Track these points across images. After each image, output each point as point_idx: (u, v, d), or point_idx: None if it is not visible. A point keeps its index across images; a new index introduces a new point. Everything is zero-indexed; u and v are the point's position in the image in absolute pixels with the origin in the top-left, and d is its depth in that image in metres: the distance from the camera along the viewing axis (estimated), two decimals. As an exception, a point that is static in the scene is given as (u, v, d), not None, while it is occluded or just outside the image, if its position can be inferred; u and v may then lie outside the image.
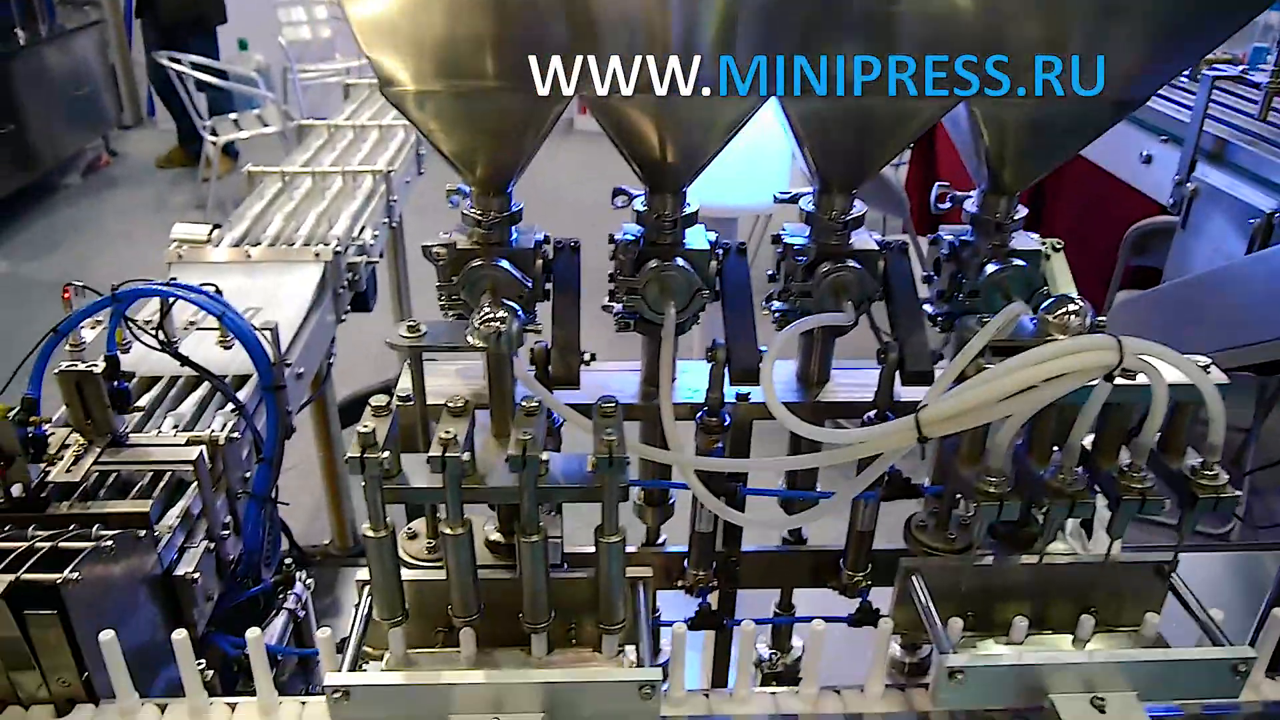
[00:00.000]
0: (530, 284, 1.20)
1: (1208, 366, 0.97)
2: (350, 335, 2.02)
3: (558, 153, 7.36)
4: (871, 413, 1.23)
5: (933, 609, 1.04)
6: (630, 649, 1.05)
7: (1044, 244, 1.27)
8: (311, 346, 1.79)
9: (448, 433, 0.92)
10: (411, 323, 1.02)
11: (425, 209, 3.09)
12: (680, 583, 1.38)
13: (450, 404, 0.97)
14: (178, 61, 5.63)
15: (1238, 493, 0.98)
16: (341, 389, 2.70)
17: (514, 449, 0.91)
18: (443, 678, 0.95)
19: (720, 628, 1.36)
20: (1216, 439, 0.97)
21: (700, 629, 1.35)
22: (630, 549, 1.41)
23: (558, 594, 1.03)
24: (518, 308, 1.01)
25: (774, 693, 1.10)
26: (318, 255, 1.92)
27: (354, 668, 0.98)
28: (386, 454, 0.91)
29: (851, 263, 1.22)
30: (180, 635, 0.99)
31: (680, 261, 1.21)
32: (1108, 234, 3.03)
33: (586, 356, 1.20)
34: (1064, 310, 1.02)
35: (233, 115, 5.82)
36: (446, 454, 0.91)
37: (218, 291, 1.34)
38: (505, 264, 1.19)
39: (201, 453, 1.25)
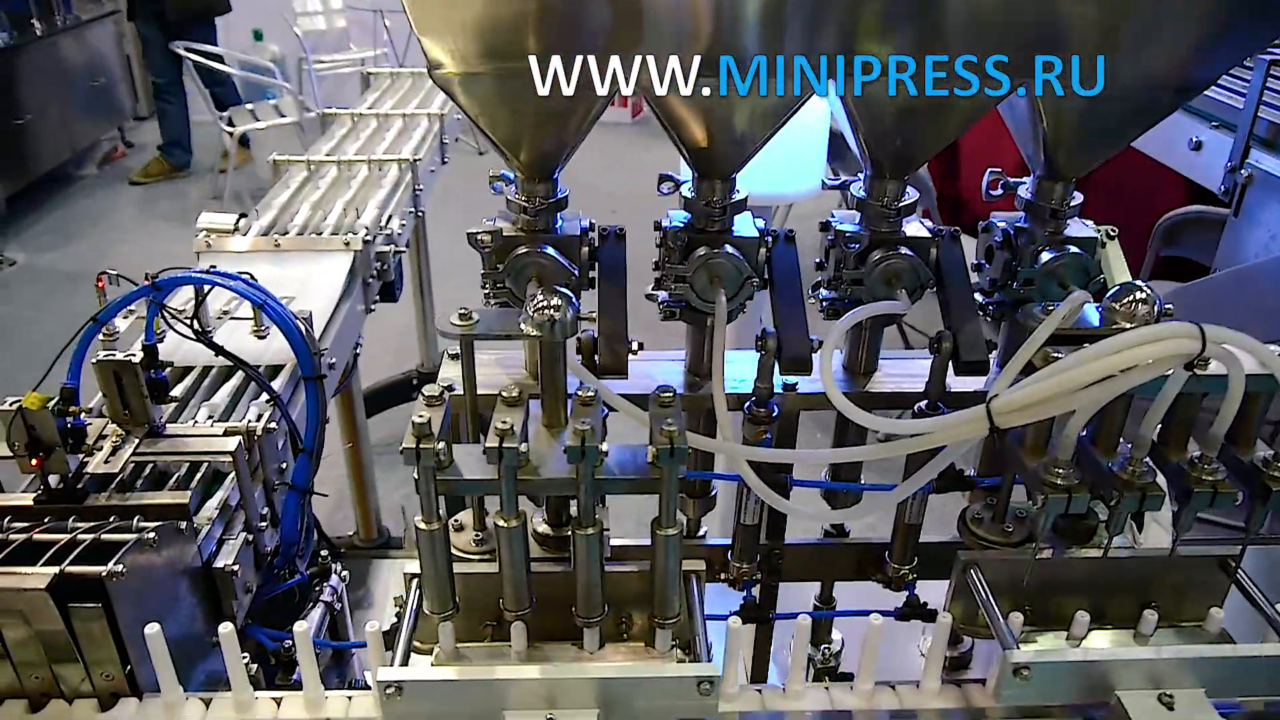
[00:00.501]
0: (576, 271, 1.18)
1: (1282, 355, 0.94)
2: (371, 325, 2.01)
3: (624, 145, 7.36)
4: (922, 403, 1.21)
5: (993, 603, 1.02)
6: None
7: (1099, 230, 1.24)
8: (342, 336, 1.77)
9: (504, 423, 0.90)
10: (464, 310, 1.00)
11: (444, 199, 3.07)
12: (723, 575, 1.35)
13: (505, 394, 0.95)
14: (194, 51, 5.61)
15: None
16: (365, 379, 2.69)
17: (573, 440, 0.89)
18: (496, 673, 0.93)
19: (765, 621, 1.34)
20: (1291, 429, 0.94)
21: (745, 623, 1.33)
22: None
23: (609, 587, 1.01)
24: (572, 295, 0.99)
25: (827, 688, 1.08)
26: (348, 244, 1.90)
27: (404, 662, 0.96)
28: (441, 445, 0.89)
29: (904, 250, 1.19)
30: (227, 629, 0.97)
31: (729, 249, 1.18)
32: (1139, 223, 3.00)
33: (634, 346, 1.18)
34: (1131, 298, 0.99)
35: (249, 106, 5.80)
36: (504, 445, 0.89)
37: (254, 280, 1.33)
38: (551, 251, 1.17)
39: (240, 443, 1.24)
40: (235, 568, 1.20)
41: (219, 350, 1.35)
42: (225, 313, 1.58)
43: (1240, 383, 0.87)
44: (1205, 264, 2.17)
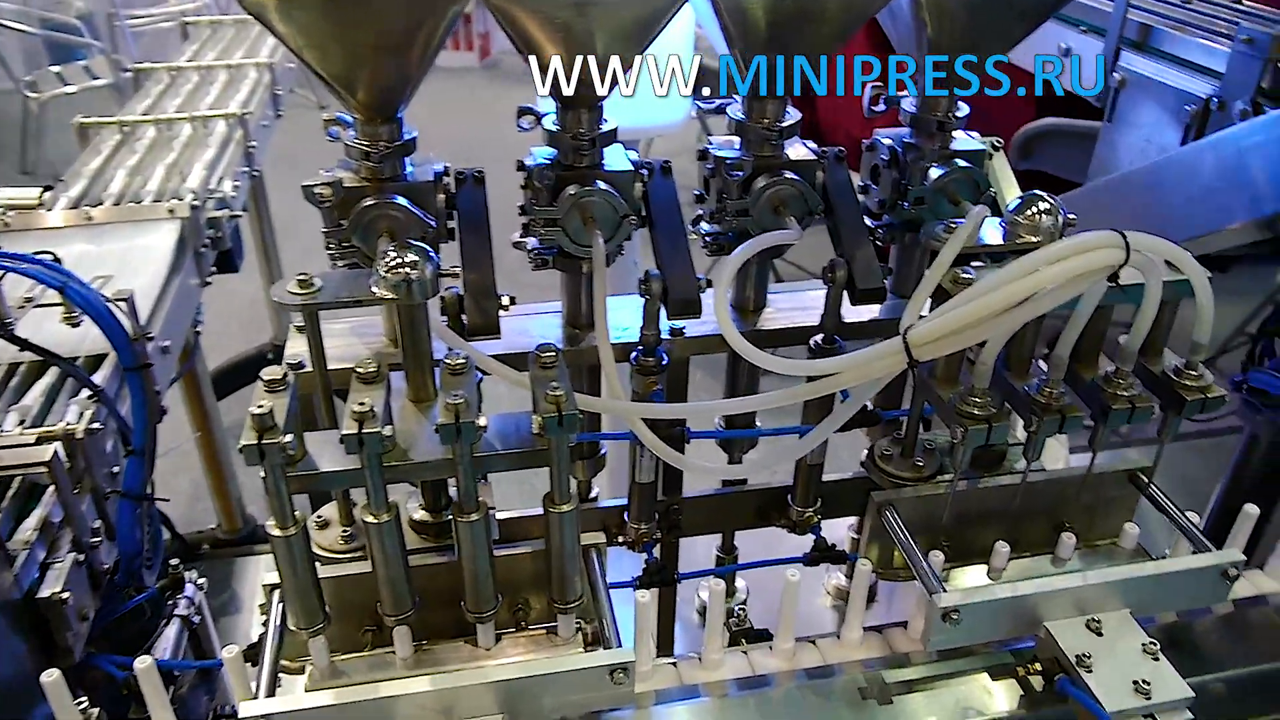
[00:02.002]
0: (434, 222, 1.04)
1: (1192, 259, 0.90)
2: (214, 298, 1.81)
3: (472, 92, 7.01)
4: (818, 337, 1.13)
5: (914, 546, 0.96)
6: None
7: (985, 142, 1.18)
8: (175, 315, 1.58)
9: (362, 404, 0.77)
10: (303, 275, 0.85)
11: (285, 159, 2.84)
12: (621, 539, 1.26)
13: (360, 369, 0.82)
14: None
15: (1224, 392, 0.92)
16: (212, 358, 2.47)
17: (445, 416, 0.77)
18: (381, 690, 0.81)
19: (674, 583, 1.26)
20: (1203, 337, 0.90)
21: (650, 587, 1.25)
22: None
23: (501, 573, 0.91)
24: (429, 250, 0.86)
25: (745, 652, 1.01)
26: (172, 211, 1.70)
27: (271, 691, 0.83)
28: (289, 437, 0.76)
29: (790, 175, 1.10)
30: (51, 677, 0.82)
31: (602, 185, 1.07)
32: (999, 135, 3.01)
33: (505, 301, 1.06)
34: (1035, 210, 0.93)
35: (54, 68, 5.27)
36: (364, 430, 0.76)
37: (56, 260, 1.14)
38: (402, 200, 1.03)
39: (56, 451, 1.06)
40: (65, 595, 1.04)
41: (22, 344, 1.17)
42: (29, 300, 1.37)
43: (1158, 291, 0.82)
44: (1064, 178, 2.17)
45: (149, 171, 1.86)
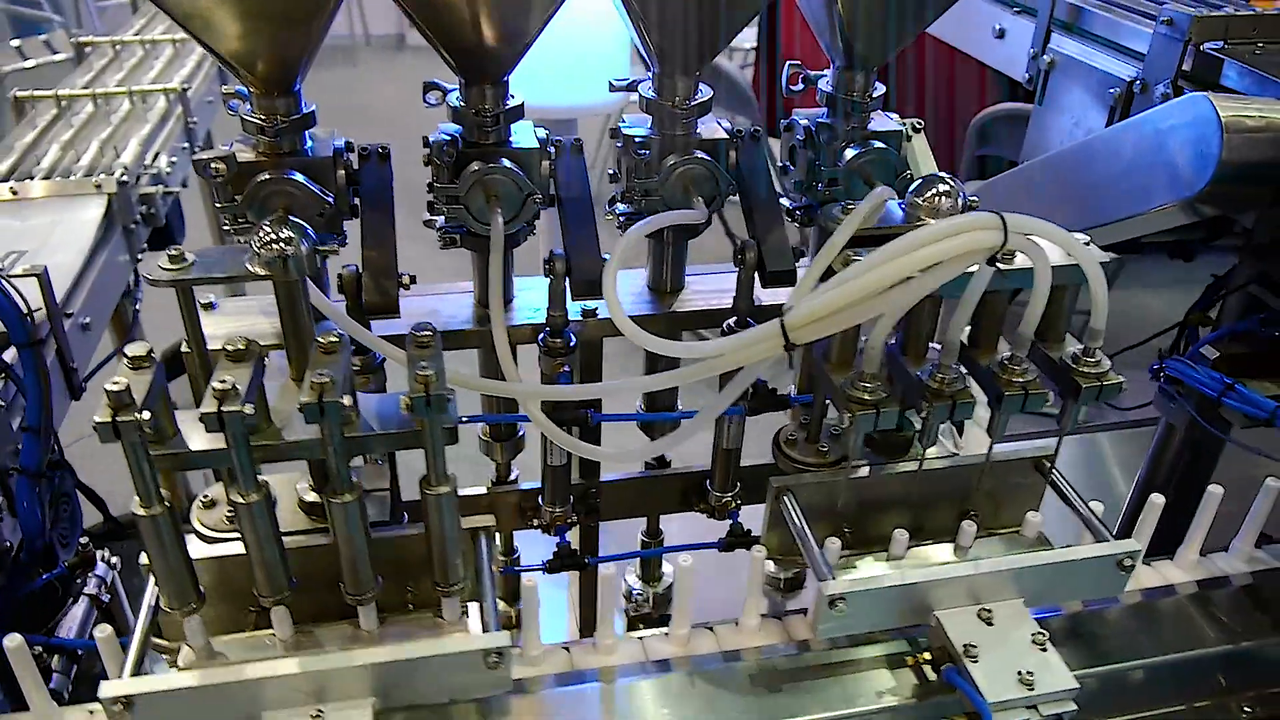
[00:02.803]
0: (332, 199, 1.02)
1: (1088, 244, 0.89)
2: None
3: (389, 70, 6.95)
4: (732, 320, 1.12)
5: (808, 532, 0.95)
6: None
7: (904, 124, 1.16)
8: (100, 291, 1.56)
9: (223, 382, 0.75)
10: (174, 251, 0.83)
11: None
12: (536, 521, 1.25)
13: (229, 346, 0.80)
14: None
15: (1121, 379, 0.91)
16: (167, 338, 2.44)
17: (308, 395, 0.75)
18: (247, 673, 0.80)
19: (583, 567, 1.25)
20: (1099, 323, 0.89)
21: (560, 570, 1.23)
22: (479, 490, 1.28)
23: (387, 554, 0.89)
24: (306, 225, 0.84)
25: (641, 638, 0.99)
26: (99, 186, 1.67)
27: (138, 670, 0.82)
28: (146, 415, 0.74)
29: (700, 154, 1.09)
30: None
31: (506, 163, 1.05)
32: (954, 122, 3.00)
33: (405, 279, 1.04)
34: (934, 191, 0.91)
35: (15, 42, 5.18)
36: (223, 409, 0.74)
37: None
38: (299, 177, 1.01)
39: (-54, 426, 1.04)
40: (-46, 570, 1.02)
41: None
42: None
43: (1046, 275, 0.80)
44: (1017, 161, 2.16)
45: (82, 146, 1.83)
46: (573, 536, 1.27)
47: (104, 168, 1.75)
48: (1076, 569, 0.93)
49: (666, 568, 1.47)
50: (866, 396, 0.88)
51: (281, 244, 0.81)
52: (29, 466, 1.13)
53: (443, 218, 1.08)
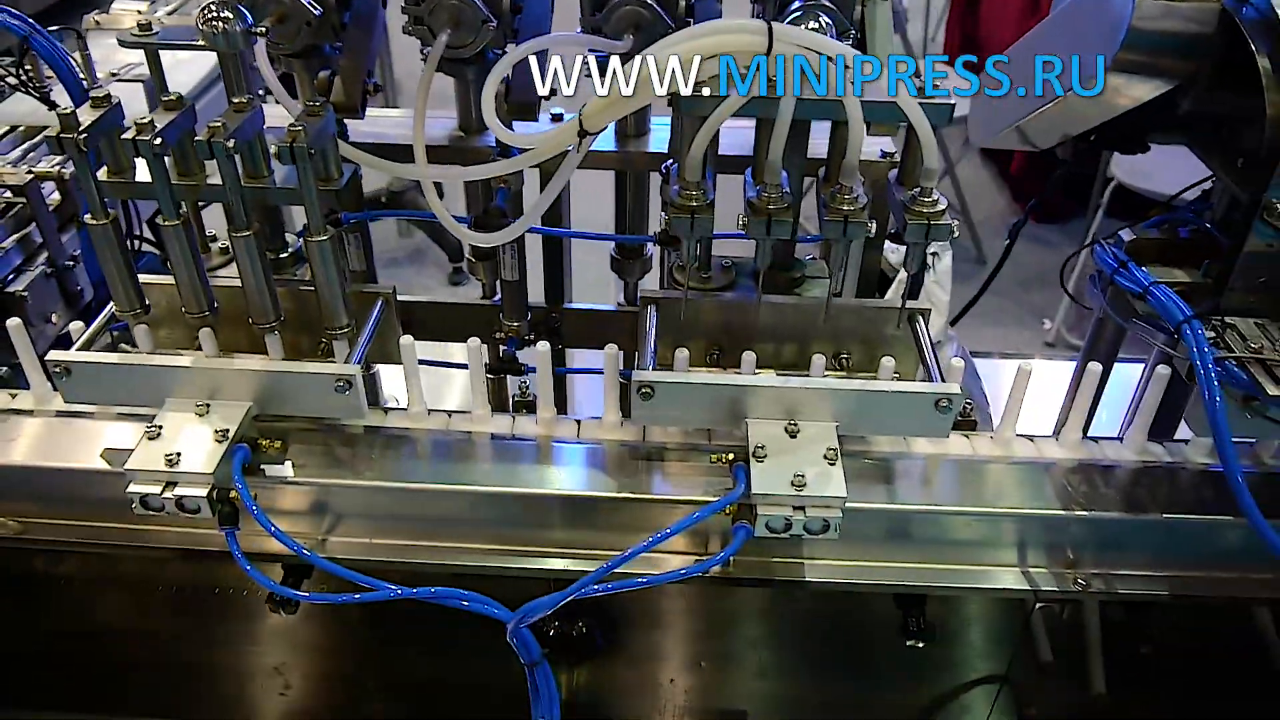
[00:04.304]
0: (320, 11, 1.19)
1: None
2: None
3: None
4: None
5: (650, 335, 1.04)
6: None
7: (870, -11, 1.18)
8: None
9: (144, 119, 0.94)
10: (144, 19, 1.03)
11: None
12: (497, 334, 1.40)
13: (164, 97, 0.99)
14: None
15: (951, 222, 0.93)
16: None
17: (202, 135, 0.92)
18: (154, 360, 1.01)
19: (518, 372, 1.39)
20: (931, 162, 0.91)
21: (499, 373, 1.38)
22: (456, 300, 1.44)
23: (293, 303, 1.07)
24: (244, 10, 1.01)
25: (513, 416, 1.12)
26: None
27: (85, 348, 1.04)
28: (84, 136, 0.94)
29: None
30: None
31: (470, -10, 1.17)
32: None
33: (370, 86, 1.19)
34: (812, 25, 0.95)
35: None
36: (138, 137, 0.93)
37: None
38: (297, -10, 1.18)
39: (34, 179, 1.32)
40: (25, 293, 1.30)
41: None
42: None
43: (791, 98, 0.85)
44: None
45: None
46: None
47: None
48: (890, 401, 0.97)
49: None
50: (694, 204, 0.95)
51: (220, 21, 0.99)
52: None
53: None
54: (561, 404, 1.55)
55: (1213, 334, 0.94)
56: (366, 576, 0.94)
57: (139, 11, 1.99)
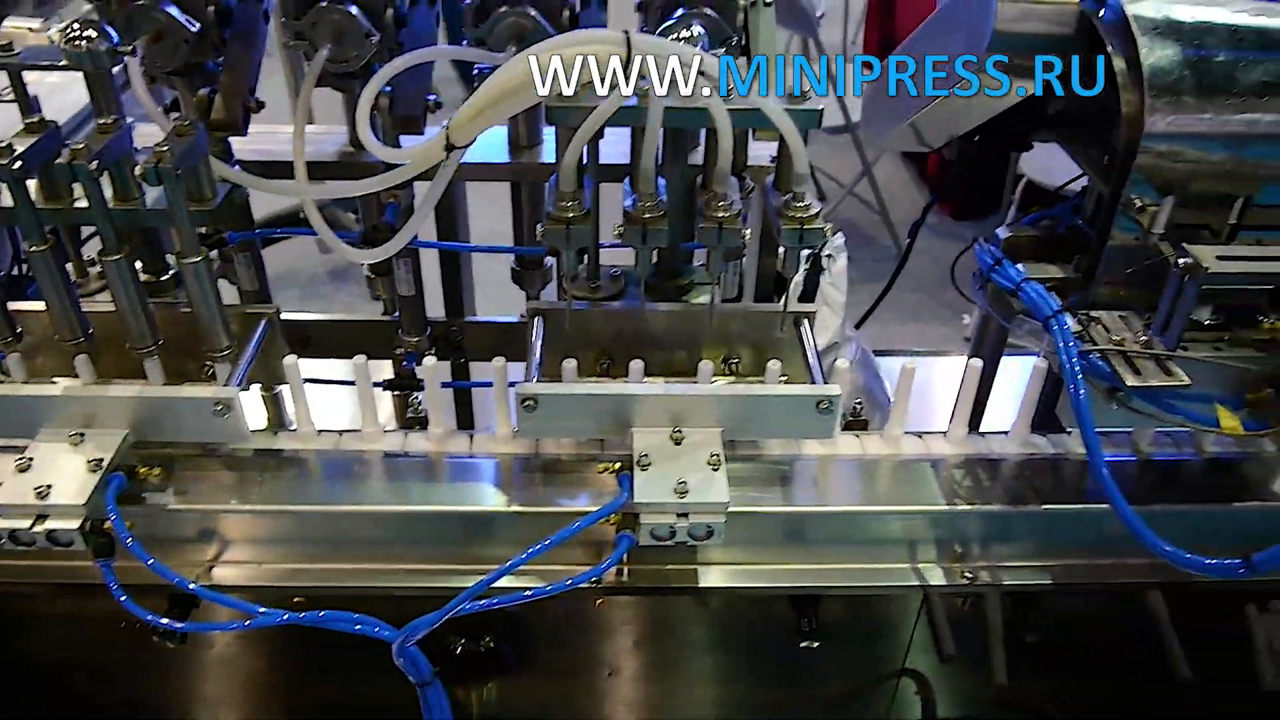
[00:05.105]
0: (198, 28, 1.17)
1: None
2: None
3: None
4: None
5: (537, 347, 1.04)
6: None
7: (753, -5, 1.19)
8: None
9: (2, 143, 0.92)
10: (6, 40, 1.00)
11: None
12: (397, 350, 1.39)
13: (27, 121, 0.96)
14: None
15: (823, 226, 0.94)
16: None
17: (64, 157, 0.90)
18: (23, 390, 0.98)
19: (415, 387, 1.38)
20: (801, 167, 0.92)
21: (393, 389, 1.37)
22: (354, 317, 1.43)
23: (171, 326, 1.05)
24: (112, 31, 0.99)
25: (405, 433, 1.11)
26: None
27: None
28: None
29: (531, 10, 1.16)
30: None
31: (351, 6, 1.16)
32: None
33: (253, 103, 1.18)
34: (682, 34, 0.96)
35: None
36: (-3, 163, 0.91)
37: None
38: (173, 10, 1.16)
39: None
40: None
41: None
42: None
43: (658, 114, 0.86)
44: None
45: None
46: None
47: None
48: (772, 405, 0.98)
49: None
50: (570, 215, 0.95)
51: (84, 41, 0.97)
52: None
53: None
54: (467, 419, 1.54)
55: (1079, 328, 0.96)
56: (249, 604, 0.92)
57: (31, 29, 1.95)
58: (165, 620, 0.95)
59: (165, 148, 0.91)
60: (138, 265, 1.13)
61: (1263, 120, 0.95)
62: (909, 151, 4.24)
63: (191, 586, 0.93)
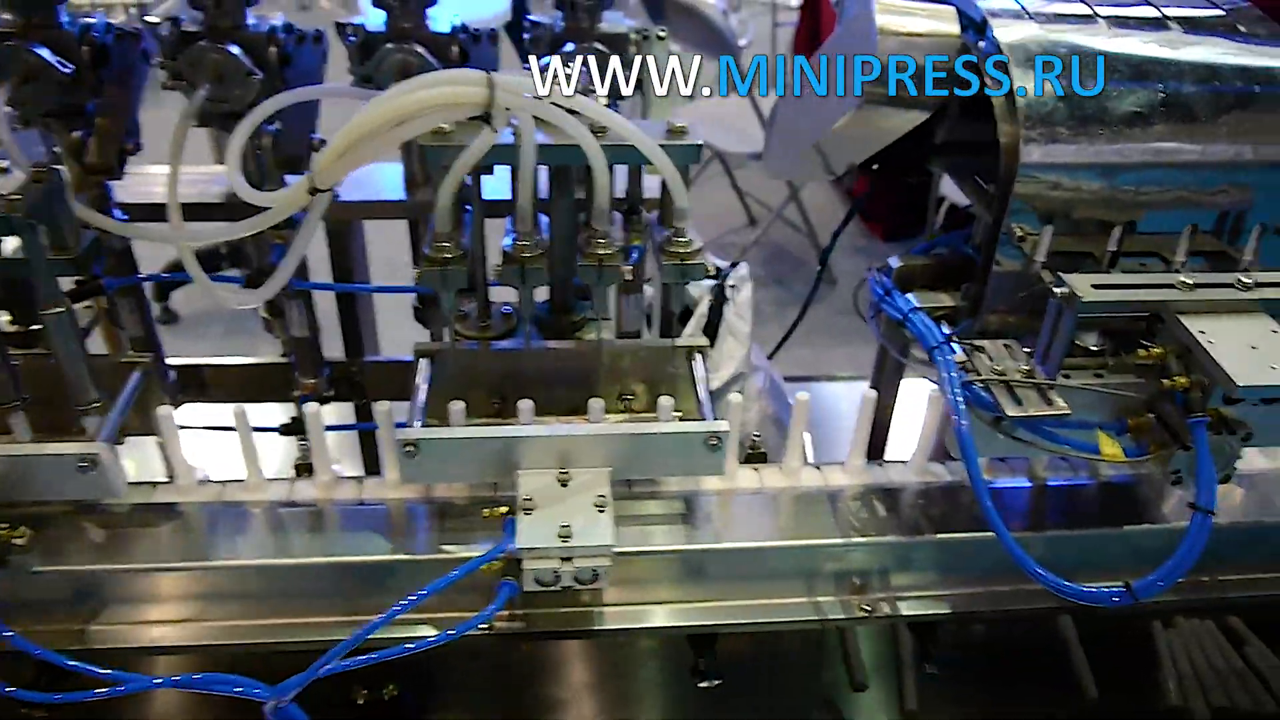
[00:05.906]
0: (72, 70, 1.14)
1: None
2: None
3: None
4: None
5: (422, 389, 1.01)
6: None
7: (645, 29, 1.19)
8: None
9: None
10: None
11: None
12: (296, 393, 1.35)
13: None
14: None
15: (703, 262, 0.93)
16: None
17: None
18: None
19: (300, 432, 1.34)
20: (681, 201, 0.92)
21: (289, 434, 1.34)
22: (249, 360, 1.39)
23: (39, 378, 1.01)
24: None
25: (290, 481, 1.08)
26: None
27: None
28: None
29: (420, 49, 1.15)
30: None
31: (234, 48, 1.14)
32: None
33: (130, 146, 1.15)
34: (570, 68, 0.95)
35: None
36: None
37: None
38: (44, 51, 1.13)
39: None
40: None
41: None
42: None
43: (530, 141, 0.84)
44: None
45: None
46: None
47: None
48: (659, 442, 0.96)
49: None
50: (447, 255, 0.93)
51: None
52: None
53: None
54: (375, 461, 1.50)
55: (963, 357, 0.96)
56: (117, 672, 0.88)
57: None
58: (21, 692, 0.90)
59: (18, 196, 0.88)
60: (5, 317, 1.09)
61: (1135, 150, 0.96)
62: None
63: (35, 648, 0.88)
